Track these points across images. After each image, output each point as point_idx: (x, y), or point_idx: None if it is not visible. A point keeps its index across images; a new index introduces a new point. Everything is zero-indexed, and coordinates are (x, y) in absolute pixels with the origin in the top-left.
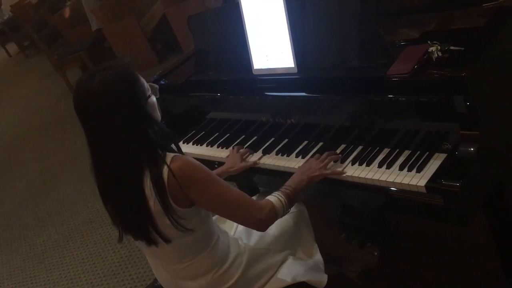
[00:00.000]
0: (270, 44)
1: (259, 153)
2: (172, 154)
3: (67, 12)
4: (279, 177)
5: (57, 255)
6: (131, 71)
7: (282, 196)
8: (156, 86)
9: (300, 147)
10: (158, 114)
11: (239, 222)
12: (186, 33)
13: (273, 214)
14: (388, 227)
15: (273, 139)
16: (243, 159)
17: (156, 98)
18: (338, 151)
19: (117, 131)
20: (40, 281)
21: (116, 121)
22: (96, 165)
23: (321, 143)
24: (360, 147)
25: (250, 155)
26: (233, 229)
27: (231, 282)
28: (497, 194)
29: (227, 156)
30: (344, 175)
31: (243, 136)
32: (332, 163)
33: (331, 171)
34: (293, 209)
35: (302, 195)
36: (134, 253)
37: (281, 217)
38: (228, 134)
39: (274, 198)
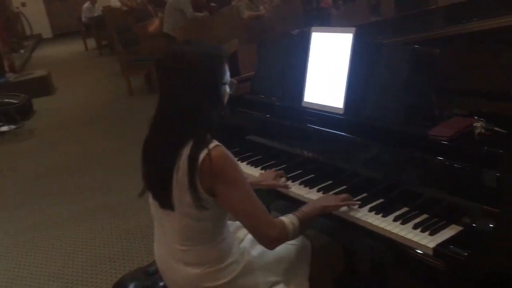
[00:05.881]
0: (326, 82)
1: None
2: (217, 142)
3: (153, 25)
4: (296, 205)
5: None
6: (223, 54)
7: (295, 219)
8: (236, 82)
9: (324, 184)
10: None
11: (251, 231)
12: (249, 71)
13: (284, 235)
14: None
15: (300, 171)
16: (275, 179)
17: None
18: (359, 198)
19: (188, 92)
20: None
21: (192, 84)
22: (155, 116)
23: (344, 186)
24: (381, 200)
25: (284, 179)
26: (241, 239)
27: (217, 283)
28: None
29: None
30: (358, 217)
31: (273, 162)
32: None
33: (346, 203)
34: (297, 242)
35: (312, 226)
36: None
37: (290, 240)
38: (260, 156)
39: (287, 219)
